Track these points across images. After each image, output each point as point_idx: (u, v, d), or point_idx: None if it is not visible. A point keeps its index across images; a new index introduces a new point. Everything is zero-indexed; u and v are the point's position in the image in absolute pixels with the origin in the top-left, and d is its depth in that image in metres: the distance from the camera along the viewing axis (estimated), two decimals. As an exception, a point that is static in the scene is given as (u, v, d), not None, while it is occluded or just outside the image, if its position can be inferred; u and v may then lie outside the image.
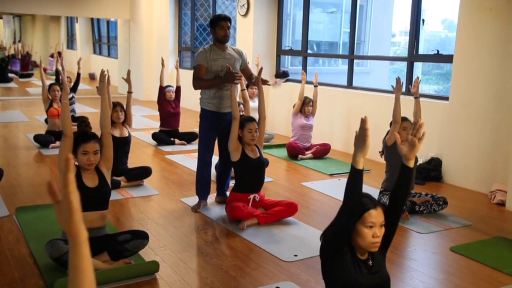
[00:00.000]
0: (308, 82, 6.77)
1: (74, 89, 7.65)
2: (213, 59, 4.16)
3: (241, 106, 4.89)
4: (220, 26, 4.18)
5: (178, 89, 7.05)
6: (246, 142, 4.09)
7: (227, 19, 4.22)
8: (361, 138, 2.00)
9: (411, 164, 2.13)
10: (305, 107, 6.38)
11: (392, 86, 4.44)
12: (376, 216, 2.03)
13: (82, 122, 4.84)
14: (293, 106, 6.51)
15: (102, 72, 3.61)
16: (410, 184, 2.19)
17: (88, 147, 3.12)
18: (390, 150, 4.31)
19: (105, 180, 3.22)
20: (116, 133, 4.88)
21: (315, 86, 6.52)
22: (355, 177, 2.00)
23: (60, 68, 7.40)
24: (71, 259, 1.09)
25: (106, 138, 3.30)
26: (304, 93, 6.46)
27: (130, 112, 5.06)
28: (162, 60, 7.31)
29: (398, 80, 4.35)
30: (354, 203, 2.01)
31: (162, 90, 6.98)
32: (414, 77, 6.35)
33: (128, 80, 5.06)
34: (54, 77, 15.59)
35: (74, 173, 1.10)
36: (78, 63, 7.82)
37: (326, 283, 2.18)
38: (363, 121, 2.00)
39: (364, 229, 2.02)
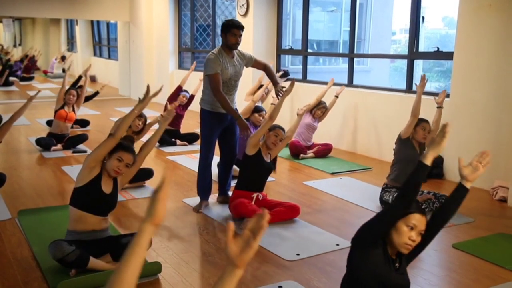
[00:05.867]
0: (311, 82, 6.77)
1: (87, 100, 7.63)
2: (224, 68, 4.15)
3: (263, 112, 5.30)
4: (232, 33, 4.15)
5: (191, 97, 7.09)
6: (267, 143, 4.17)
7: (241, 27, 4.19)
8: (439, 140, 2.12)
9: (469, 185, 2.20)
10: (317, 110, 6.37)
11: (416, 84, 4.54)
12: (419, 220, 2.10)
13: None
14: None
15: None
16: (461, 204, 2.25)
17: (125, 156, 3.13)
18: (402, 144, 4.39)
19: (117, 190, 3.25)
20: None
21: (336, 97, 6.49)
22: (420, 171, 2.09)
23: (82, 75, 7.49)
24: (224, 282, 1.24)
25: (140, 158, 3.34)
26: (323, 97, 6.44)
27: (148, 130, 5.15)
28: (195, 64, 7.58)
29: (422, 77, 4.45)
30: (412, 195, 2.09)
31: (179, 90, 7.09)
32: (415, 74, 6.37)
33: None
34: (55, 80, 15.48)
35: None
36: (87, 70, 7.88)
37: (350, 271, 2.20)
38: (446, 126, 2.11)
39: (404, 227, 2.08)
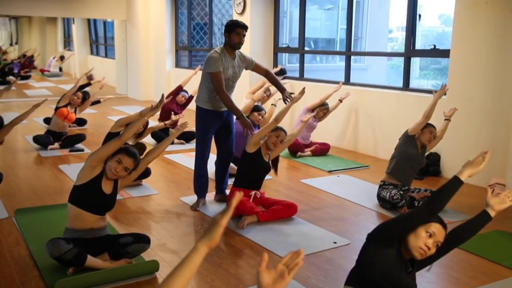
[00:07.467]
0: (308, 80, 6.76)
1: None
2: (225, 68, 4.15)
3: (263, 111, 5.30)
4: (236, 32, 4.12)
5: (190, 98, 7.10)
6: (267, 144, 4.18)
7: (245, 27, 4.17)
8: (479, 163, 2.22)
9: (493, 214, 2.29)
10: (319, 110, 6.36)
11: (434, 91, 4.58)
12: (439, 230, 2.17)
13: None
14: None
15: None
16: (481, 229, 2.33)
17: (125, 160, 3.12)
18: (406, 139, 4.48)
19: (117, 192, 3.26)
20: (130, 141, 4.87)
21: (340, 101, 6.49)
22: (455, 185, 2.19)
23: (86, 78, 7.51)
24: None
25: (143, 164, 3.36)
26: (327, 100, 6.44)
27: (148, 133, 5.17)
28: (199, 67, 7.53)
29: (443, 87, 4.54)
30: (439, 205, 2.19)
31: (179, 89, 7.16)
32: (412, 72, 6.37)
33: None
34: (52, 79, 15.46)
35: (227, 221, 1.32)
36: (102, 86, 7.86)
37: (361, 265, 2.22)
38: (487, 152, 2.24)
39: (423, 232, 2.14)
